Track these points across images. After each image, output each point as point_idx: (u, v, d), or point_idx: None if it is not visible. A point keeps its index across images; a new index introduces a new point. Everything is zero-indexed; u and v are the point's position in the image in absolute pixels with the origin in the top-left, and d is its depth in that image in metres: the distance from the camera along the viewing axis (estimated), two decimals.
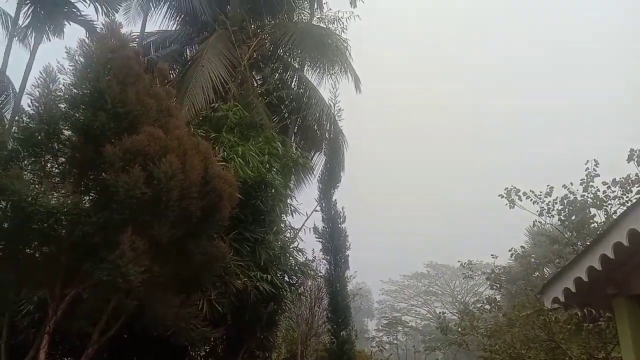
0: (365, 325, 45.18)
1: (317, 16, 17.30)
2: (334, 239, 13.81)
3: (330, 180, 14.40)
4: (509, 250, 14.03)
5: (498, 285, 14.40)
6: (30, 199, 6.77)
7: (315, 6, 17.21)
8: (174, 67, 15.40)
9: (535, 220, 13.27)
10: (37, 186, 7.68)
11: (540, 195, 12.51)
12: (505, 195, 12.63)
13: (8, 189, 6.80)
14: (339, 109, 15.70)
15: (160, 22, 16.76)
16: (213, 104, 13.29)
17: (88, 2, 15.49)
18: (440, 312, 18.48)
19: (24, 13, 15.24)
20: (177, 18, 16.63)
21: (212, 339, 10.91)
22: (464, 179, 76.14)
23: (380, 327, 41.02)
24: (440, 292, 49.61)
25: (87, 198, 7.91)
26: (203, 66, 13.62)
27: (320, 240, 13.94)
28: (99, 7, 15.42)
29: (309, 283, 15.63)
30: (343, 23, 16.76)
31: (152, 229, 7.24)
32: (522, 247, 15.61)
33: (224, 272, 9.75)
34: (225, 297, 9.98)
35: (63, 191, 7.53)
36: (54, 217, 6.73)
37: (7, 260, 7.60)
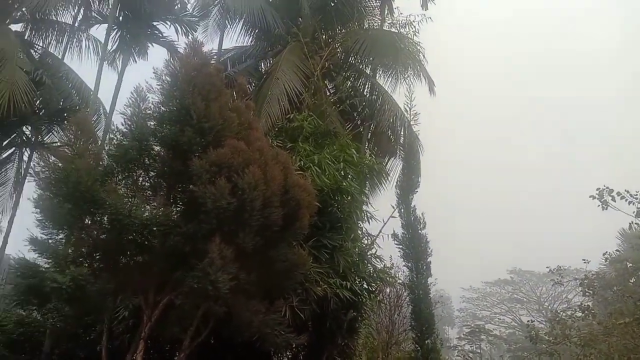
0: (446, 334, 43.99)
1: (388, 22, 17.20)
2: (414, 246, 13.56)
3: (407, 185, 14.18)
4: (604, 254, 13.12)
5: (591, 291, 13.50)
6: (125, 212, 7.24)
7: (386, 12, 17.15)
8: (250, 81, 15.91)
9: (632, 222, 12.31)
10: (130, 200, 8.19)
11: (637, 195, 11.61)
12: (597, 195, 11.84)
13: (106, 203, 7.33)
14: (415, 114, 15.47)
15: (235, 38, 17.43)
16: (288, 115, 13.58)
17: (169, 23, 16.47)
18: (528, 321, 17.61)
19: (112, 38, 16.42)
20: (252, 33, 17.18)
21: (294, 346, 11.09)
22: (547, 181, 72.47)
23: (462, 336, 39.79)
24: (525, 299, 47.35)
25: (176, 209, 8.34)
26: (278, 79, 13.98)
27: (400, 246, 13.74)
28: (179, 27, 16.33)
29: (388, 290, 15.46)
30: (415, 27, 16.55)
31: (237, 238, 7.51)
32: (617, 250, 14.55)
33: (304, 279, 9.89)
34: (307, 304, 10.11)
35: (154, 203, 7.99)
36: (147, 229, 7.16)
37: (105, 269, 8.17)
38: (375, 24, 17.74)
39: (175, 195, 8.41)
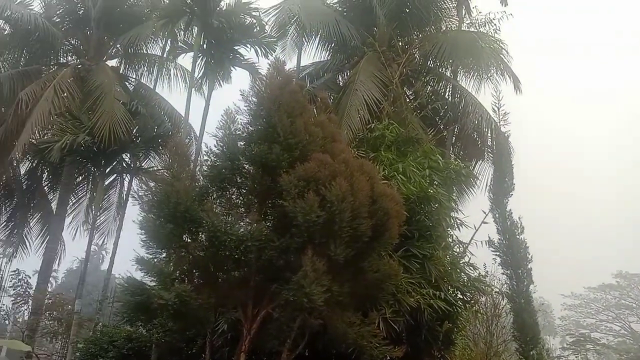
0: (548, 344, 41.43)
1: (467, 22, 16.82)
2: (512, 252, 12.92)
3: (500, 189, 13.56)
4: None
5: None
6: (222, 229, 7.56)
7: (464, 12, 16.75)
8: (329, 95, 16.12)
9: None
10: (225, 217, 8.54)
11: None
12: None
13: (203, 221, 7.71)
14: (504, 114, 14.83)
15: (312, 54, 17.82)
16: (369, 125, 13.58)
17: (249, 46, 17.10)
18: None
19: (198, 65, 17.35)
20: (328, 47, 17.47)
21: (389, 358, 10.93)
22: None
23: (566, 346, 37.25)
24: (635, 305, 43.57)
25: (268, 224, 8.58)
26: (356, 90, 14.07)
27: (497, 253, 13.16)
28: (258, 49, 16.91)
29: (484, 299, 14.84)
30: (495, 24, 16.01)
31: (328, 250, 7.57)
32: None
33: (395, 290, 9.75)
34: (400, 316, 9.95)
35: (248, 220, 8.28)
36: (243, 244, 7.43)
37: (205, 285, 8.55)
38: (453, 26, 17.38)
39: (267, 210, 8.66)
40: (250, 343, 8.02)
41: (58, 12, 20.81)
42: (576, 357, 30.97)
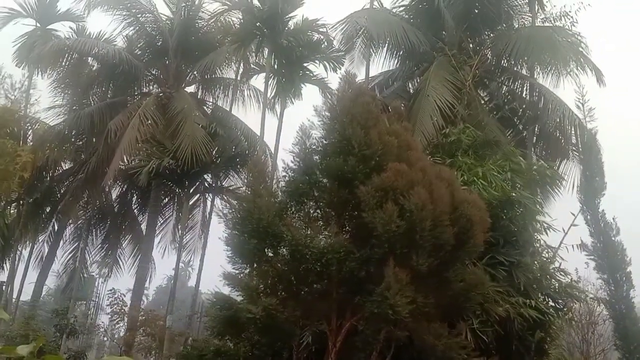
0: None
1: (541, 17, 16.13)
2: (608, 255, 12.07)
3: (590, 189, 12.73)
4: None
5: None
6: (303, 242, 7.69)
7: (537, 7, 16.10)
8: (401, 103, 16.01)
9: None
10: (305, 231, 8.68)
11: None
12: None
13: (285, 236, 7.87)
14: (589, 109, 14.00)
15: (381, 63, 17.81)
16: (443, 130, 13.32)
17: (318, 62, 17.43)
18: None
19: (270, 84, 17.91)
20: (397, 55, 17.37)
21: None
22: None
23: None
24: None
25: (347, 237, 8.62)
26: (428, 95, 13.87)
27: (591, 257, 12.35)
28: (327, 64, 17.19)
29: (577, 307, 13.97)
30: (572, 17, 15.23)
31: (410, 260, 7.46)
32: None
33: (482, 300, 9.43)
34: (488, 326, 9.60)
35: (327, 232, 8.36)
36: (324, 257, 7.49)
37: (289, 298, 8.70)
38: (526, 22, 16.74)
39: (345, 223, 8.71)
40: (337, 355, 8.04)
41: (139, 45, 22.32)
42: None
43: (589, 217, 12.44)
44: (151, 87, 23.14)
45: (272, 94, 18.11)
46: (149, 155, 18.38)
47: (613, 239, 12.19)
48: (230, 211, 8.58)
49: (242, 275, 8.69)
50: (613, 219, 12.46)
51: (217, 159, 19.60)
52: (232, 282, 8.44)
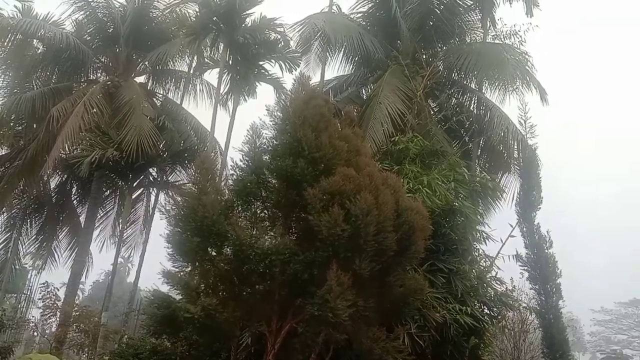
0: None
1: (492, 34, 16.75)
2: (541, 267, 12.65)
3: (528, 202, 13.34)
4: None
5: None
6: (248, 242, 7.61)
7: (488, 24, 16.69)
8: (353, 108, 16.17)
9: None
10: (250, 231, 8.59)
11: None
12: None
13: (229, 235, 7.76)
14: (531, 126, 14.66)
15: (336, 68, 17.94)
16: (393, 138, 13.56)
17: (274, 62, 17.35)
18: None
19: (224, 80, 17.66)
20: (352, 61, 17.56)
21: None
22: None
23: None
24: None
25: (293, 238, 8.60)
26: (380, 103, 14.09)
27: (525, 267, 12.91)
28: (283, 64, 17.14)
29: (511, 315, 14.54)
30: (520, 36, 15.92)
31: (353, 264, 7.52)
32: None
33: (421, 305, 9.65)
34: (425, 331, 9.82)
35: (272, 233, 8.31)
36: (268, 258, 7.44)
37: (230, 299, 8.58)
38: (478, 38, 17.33)
39: (291, 224, 8.68)
40: (275, 357, 8.00)
41: (89, 31, 21.47)
42: None
43: (525, 229, 13.02)
44: (99, 75, 22.31)
45: (225, 90, 17.88)
46: (92, 144, 17.67)
47: (546, 251, 12.80)
48: (174, 207, 8.36)
49: (182, 273, 8.48)
50: (547, 232, 13.09)
51: (164, 152, 19.12)
52: (171, 280, 8.22)
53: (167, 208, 8.52)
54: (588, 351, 46.30)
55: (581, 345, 46.82)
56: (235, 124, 16.58)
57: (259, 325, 8.67)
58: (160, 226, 8.82)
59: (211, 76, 20.83)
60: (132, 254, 23.59)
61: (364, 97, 16.99)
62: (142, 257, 19.03)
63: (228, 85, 17.78)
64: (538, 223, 13.19)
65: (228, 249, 8.16)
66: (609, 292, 45.13)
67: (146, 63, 21.61)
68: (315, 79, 16.75)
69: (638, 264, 52.64)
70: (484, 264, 12.96)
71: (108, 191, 21.95)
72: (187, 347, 11.02)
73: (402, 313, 9.10)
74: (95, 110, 18.22)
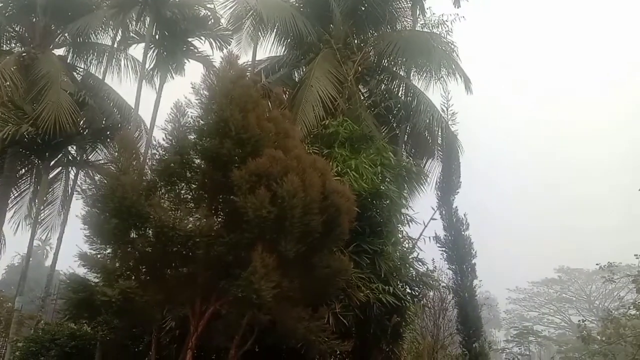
0: (493, 336, 43.01)
1: (420, 22, 17.14)
2: (457, 248, 13.29)
3: (448, 187, 13.94)
4: None
5: None
6: (170, 224, 7.41)
7: (418, 13, 17.06)
8: (285, 90, 16.05)
9: None
10: (174, 212, 8.37)
11: None
12: None
13: (150, 216, 7.53)
14: (452, 113, 15.25)
15: (269, 49, 17.66)
16: (323, 121, 13.61)
17: (203, 39, 16.82)
18: (579, 320, 17.02)
19: (150, 56, 16.92)
20: (284, 43, 17.36)
21: (338, 352, 11.06)
22: (592, 177, 70.33)
23: (510, 338, 38.79)
24: (574, 298, 45.87)
25: (219, 220, 8.48)
26: (312, 86, 14.05)
27: (443, 249, 13.51)
28: (213, 42, 16.66)
29: (431, 294, 15.23)
30: (448, 26, 16.41)
31: (278, 246, 7.57)
32: None
33: (346, 285, 9.87)
34: (349, 310, 10.08)
35: (197, 215, 8.15)
36: (191, 240, 7.32)
37: (152, 282, 8.36)
38: (408, 26, 17.66)
39: (217, 206, 8.56)
40: (198, 340, 7.92)
41: None
42: (519, 349, 32.27)
43: (444, 212, 13.63)
44: (13, 45, 20.63)
45: (151, 66, 17.15)
46: (4, 120, 16.39)
47: (463, 233, 13.48)
48: (91, 187, 7.98)
49: (100, 256, 8.14)
50: (464, 215, 13.77)
51: (84, 130, 18.08)
52: (88, 263, 7.88)
53: (84, 188, 8.14)
54: (503, 328, 49.47)
55: (497, 322, 49.93)
56: (163, 102, 15.95)
57: (182, 308, 8.54)
58: (80, 207, 8.40)
59: (137, 51, 19.86)
60: (49, 237, 22.31)
61: (296, 79, 16.90)
62: (60, 239, 18.00)
63: (154, 62, 17.07)
64: (456, 206, 13.87)
65: (149, 231, 7.93)
66: (525, 273, 48.40)
67: (66, 35, 20.20)
68: (246, 59, 16.51)
69: (551, 247, 56.78)
70: (407, 245, 13.45)
71: (23, 170, 20.51)
72: (108, 332, 10.69)
73: (327, 293, 9.29)
74: (8, 83, 16.87)
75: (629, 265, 15.94)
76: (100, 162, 18.38)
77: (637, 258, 13.15)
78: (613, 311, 15.97)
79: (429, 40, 15.56)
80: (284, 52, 17.73)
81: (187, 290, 8.10)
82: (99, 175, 8.16)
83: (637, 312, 13.19)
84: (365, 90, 16.47)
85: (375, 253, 11.10)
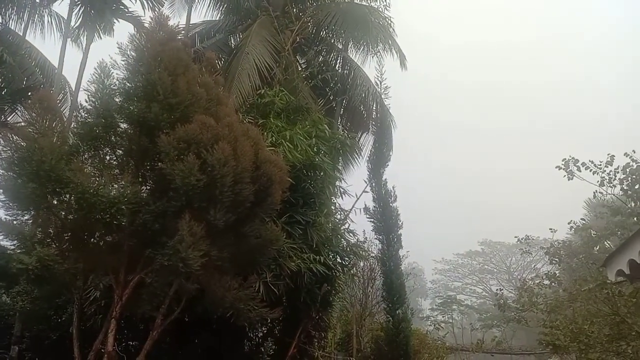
0: (419, 305, 45.08)
1: None
2: (385, 219, 13.68)
3: (379, 160, 14.25)
4: (569, 223, 13.53)
5: (557, 259, 13.96)
6: (92, 190, 7.10)
7: None
8: (220, 57, 15.63)
9: (596, 192, 12.67)
10: (97, 178, 8.02)
11: (601, 165, 11.94)
12: (563, 166, 12.14)
13: (71, 182, 7.16)
14: (386, 87, 15.48)
15: (204, 12, 17.06)
16: (259, 90, 13.42)
17: None
18: (497, 289, 18.14)
19: (75, 14, 15.85)
20: (221, 7, 16.83)
21: (269, 320, 11.21)
22: (519, 153, 74.35)
23: (435, 307, 40.83)
24: (495, 269, 48.75)
25: (145, 187, 8.22)
26: (248, 53, 13.75)
27: (372, 220, 13.87)
28: (145, 2, 15.82)
29: (361, 264, 15.69)
30: (386, 0, 16.46)
31: (208, 215, 7.45)
32: (581, 219, 15.02)
33: (277, 255, 9.95)
34: (280, 279, 10.20)
35: (122, 182, 7.84)
36: (115, 207, 7.04)
37: (74, 250, 8.03)
38: None
39: (144, 173, 8.27)
40: (122, 309, 7.72)
41: None
42: (443, 316, 34.00)
43: (374, 184, 13.96)
44: None
45: (78, 24, 16.07)
46: None
47: (391, 205, 13.90)
48: (7, 150, 7.46)
49: (17, 222, 7.69)
50: (393, 187, 14.18)
51: (1, 89, 16.81)
52: (4, 229, 7.44)
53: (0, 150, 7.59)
54: (429, 297, 51.93)
55: (423, 291, 52.32)
56: (90, 63, 15.03)
57: (105, 277, 8.29)
58: None
59: (62, 7, 18.51)
60: None
61: (232, 46, 16.47)
62: None
63: (80, 19, 15.99)
64: (385, 179, 14.26)
65: (71, 197, 7.56)
66: (450, 244, 50.67)
67: None
68: (180, 22, 15.85)
69: (475, 223, 59.72)
70: (340, 217, 13.72)
71: None
72: (28, 302, 10.24)
73: (258, 263, 9.30)
74: None
75: (545, 239, 17.07)
76: (20, 124, 17.23)
77: (551, 232, 14.08)
78: (529, 281, 17.09)
79: (367, 14, 15.57)
80: (220, 17, 17.20)
81: (111, 258, 7.84)
82: (16, 138, 7.60)
83: (549, 282, 14.17)
84: (302, 61, 16.34)
85: (307, 224, 11.24)
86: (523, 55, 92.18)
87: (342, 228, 12.81)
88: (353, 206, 13.93)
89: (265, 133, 11.69)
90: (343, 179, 14.31)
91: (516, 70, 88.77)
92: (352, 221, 13.69)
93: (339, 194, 13.64)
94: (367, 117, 16.82)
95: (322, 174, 12.33)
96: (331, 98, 16.19)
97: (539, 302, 12.84)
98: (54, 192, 7.36)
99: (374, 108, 16.30)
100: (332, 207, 13.22)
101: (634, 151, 11.63)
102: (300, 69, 15.79)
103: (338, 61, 16.96)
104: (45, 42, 19.19)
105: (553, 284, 13.79)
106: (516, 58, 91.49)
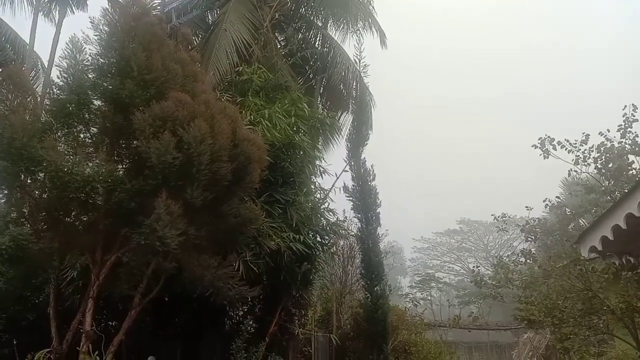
0: (398, 283, 45.73)
1: None
2: (364, 197, 13.71)
3: (358, 139, 14.21)
4: (544, 202, 13.71)
5: (533, 237, 14.20)
6: (66, 169, 6.96)
7: None
8: (197, 33, 15.29)
9: (571, 170, 12.85)
10: (71, 157, 7.87)
11: (576, 143, 12.09)
12: (539, 145, 12.27)
13: (44, 160, 7.00)
14: (365, 66, 15.34)
15: None
16: (237, 68, 13.19)
17: None
18: (474, 267, 18.44)
19: None
20: None
21: (249, 299, 11.23)
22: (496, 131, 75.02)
23: (414, 284, 41.49)
24: (473, 247, 49.61)
25: (121, 166, 8.09)
26: (226, 30, 13.47)
27: (351, 198, 13.88)
28: None
29: (341, 242, 15.78)
30: None
31: (185, 193, 7.38)
32: (557, 197, 15.24)
33: (257, 234, 9.94)
34: (260, 258, 10.20)
35: (97, 160, 7.71)
36: (90, 186, 6.93)
37: (48, 229, 7.90)
38: None
39: (119, 151, 8.14)
40: (100, 289, 7.66)
41: None
42: (422, 294, 34.55)
43: (353, 163, 13.96)
44: None
45: None
46: None
47: (369, 184, 13.92)
48: None
49: None
50: (371, 166, 14.20)
51: None
52: None
53: None
54: (408, 275, 52.71)
55: (402, 269, 53.05)
56: (63, 38, 14.61)
57: (82, 256, 8.19)
58: None
59: None
60: None
61: (210, 22, 16.12)
62: None
63: None
64: (364, 157, 14.25)
65: (45, 176, 7.40)
66: (429, 223, 51.31)
67: None
68: None
69: (455, 200, 60.53)
70: (319, 196, 13.72)
71: None
72: (3, 283, 10.07)
73: (237, 242, 9.30)
74: None
75: (522, 217, 17.29)
76: None
77: (527, 210, 14.27)
78: (505, 258, 17.38)
79: None
80: None
81: (87, 238, 7.75)
82: None
83: (525, 259, 14.41)
84: (281, 38, 16.09)
85: (287, 203, 11.22)
86: (502, 22, 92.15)
87: (321, 207, 12.81)
88: (333, 185, 13.95)
89: (244, 111, 11.54)
90: (323, 158, 14.25)
91: (495, 38, 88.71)
92: (332, 200, 13.73)
93: (318, 173, 13.62)
94: (347, 96, 16.70)
95: (301, 153, 12.28)
96: (311, 76, 16.02)
97: (515, 279, 13.08)
98: (27, 170, 7.19)
99: (354, 86, 16.19)
100: (312, 186, 13.20)
101: (608, 130, 11.75)
102: (279, 46, 15.55)
103: (318, 39, 16.73)
104: (15, 17, 18.55)
105: (528, 260, 14.05)
106: (495, 24, 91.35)
